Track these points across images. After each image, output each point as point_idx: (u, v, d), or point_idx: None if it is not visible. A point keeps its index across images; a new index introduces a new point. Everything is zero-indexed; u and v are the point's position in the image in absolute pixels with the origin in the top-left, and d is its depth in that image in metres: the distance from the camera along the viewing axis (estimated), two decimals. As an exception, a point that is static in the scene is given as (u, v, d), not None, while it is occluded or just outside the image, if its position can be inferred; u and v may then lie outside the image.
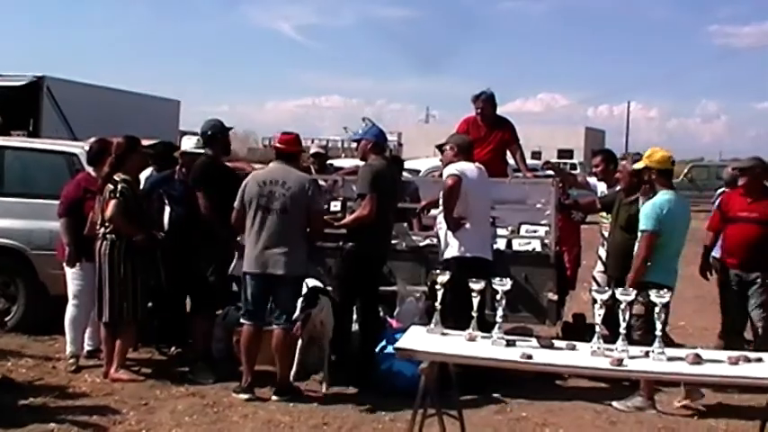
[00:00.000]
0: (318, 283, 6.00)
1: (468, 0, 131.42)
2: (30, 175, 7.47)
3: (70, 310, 6.34)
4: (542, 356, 4.01)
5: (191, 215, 6.14)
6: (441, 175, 6.15)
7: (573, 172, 15.96)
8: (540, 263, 6.41)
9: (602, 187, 7.00)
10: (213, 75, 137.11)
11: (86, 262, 6.18)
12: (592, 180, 7.36)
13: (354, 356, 6.02)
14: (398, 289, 6.46)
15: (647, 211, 5.58)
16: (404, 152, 38.04)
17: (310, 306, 5.63)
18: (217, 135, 6.27)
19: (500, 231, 6.79)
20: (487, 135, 7.48)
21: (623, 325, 3.99)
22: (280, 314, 5.64)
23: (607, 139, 61.12)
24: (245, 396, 5.60)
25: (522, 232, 6.89)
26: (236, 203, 5.76)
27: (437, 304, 4.43)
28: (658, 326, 3.97)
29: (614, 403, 5.64)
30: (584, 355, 4.00)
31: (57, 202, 6.41)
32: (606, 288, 4.28)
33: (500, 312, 4.23)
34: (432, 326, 4.41)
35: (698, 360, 3.87)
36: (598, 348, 3.97)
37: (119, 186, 5.88)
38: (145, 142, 6.54)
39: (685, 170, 30.05)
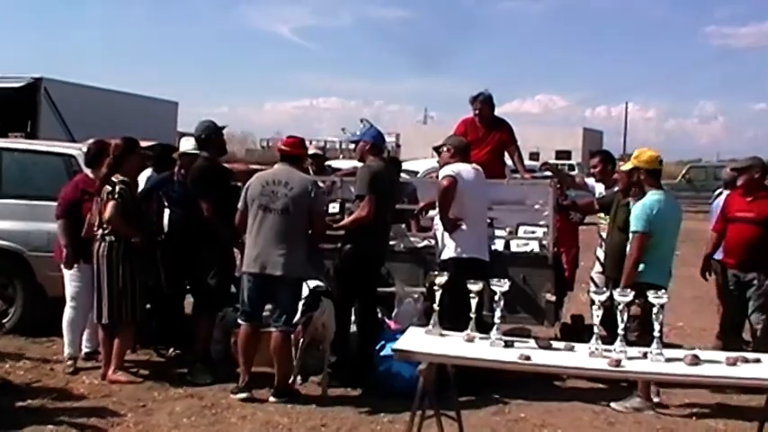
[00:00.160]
0: (320, 284, 5.98)
1: (465, 0, 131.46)
2: (27, 176, 7.45)
3: (68, 312, 6.33)
4: (541, 357, 4.01)
5: (190, 216, 6.14)
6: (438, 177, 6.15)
7: (571, 173, 15.92)
8: (538, 264, 6.41)
9: (600, 188, 6.99)
10: (212, 76, 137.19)
11: (84, 263, 6.17)
12: (590, 181, 7.35)
13: (353, 358, 6.02)
14: (397, 290, 6.45)
15: (638, 212, 5.58)
16: (402, 153, 38.03)
17: (312, 309, 5.62)
18: (211, 136, 6.27)
19: (498, 232, 6.79)
20: (485, 136, 7.48)
21: (621, 326, 4.00)
22: (278, 316, 5.64)
23: (605, 140, 61.37)
24: (242, 395, 5.60)
25: (521, 233, 6.90)
26: (239, 204, 5.77)
27: (435, 305, 4.43)
28: (656, 327, 3.97)
29: (612, 404, 5.64)
30: (583, 356, 4.00)
31: (54, 203, 6.40)
32: (604, 289, 4.28)
33: (498, 313, 4.23)
34: (430, 327, 4.41)
35: (696, 361, 3.87)
36: (596, 349, 3.97)
37: (116, 188, 5.88)
38: (143, 144, 6.54)
39: (683, 171, 30.11)
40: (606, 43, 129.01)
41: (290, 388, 5.73)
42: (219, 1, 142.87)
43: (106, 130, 8.02)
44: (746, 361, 3.92)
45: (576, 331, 6.46)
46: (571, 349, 4.15)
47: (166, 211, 6.51)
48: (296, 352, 5.83)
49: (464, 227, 5.86)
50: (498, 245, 6.68)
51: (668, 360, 3.91)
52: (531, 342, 4.30)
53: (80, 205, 6.26)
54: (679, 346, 6.00)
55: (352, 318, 6.07)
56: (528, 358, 3.95)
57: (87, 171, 6.54)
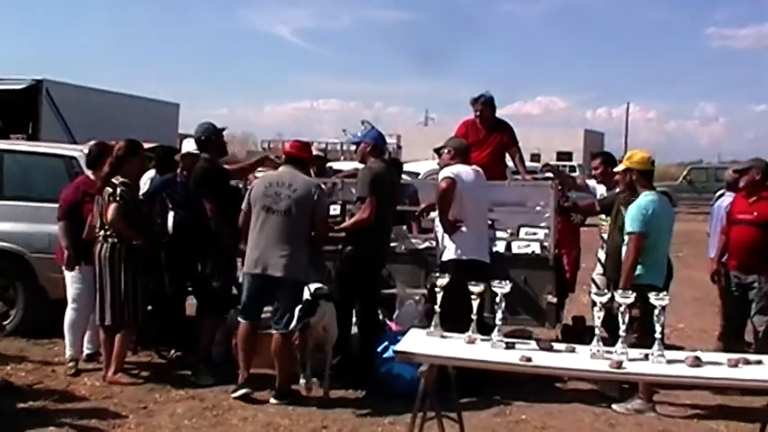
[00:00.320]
0: (322, 286, 5.97)
1: (465, 2, 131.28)
2: (29, 178, 7.47)
3: (69, 314, 6.33)
4: (542, 359, 4.01)
5: (193, 218, 6.15)
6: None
7: (572, 174, 15.96)
8: (539, 265, 6.41)
9: (601, 189, 6.98)
10: (213, 78, 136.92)
11: (85, 265, 6.18)
12: (591, 182, 7.35)
13: (354, 359, 6.02)
14: (398, 292, 6.45)
15: (633, 213, 5.58)
16: (403, 155, 37.95)
17: (308, 315, 5.59)
18: (210, 138, 6.29)
19: (499, 234, 6.79)
20: (486, 138, 7.49)
21: (623, 327, 4.00)
22: (279, 318, 5.64)
23: (606, 142, 61.22)
24: (241, 392, 5.60)
25: (522, 235, 6.89)
26: (243, 205, 5.79)
27: (436, 307, 4.43)
28: (658, 328, 3.97)
29: (614, 406, 5.64)
30: (584, 358, 4.00)
31: (56, 205, 6.41)
32: (605, 291, 4.28)
33: (499, 315, 4.23)
34: (431, 328, 4.41)
35: (697, 362, 3.87)
36: (597, 351, 3.97)
37: (117, 190, 5.88)
38: (145, 146, 6.55)
39: (684, 172, 30.11)
40: (607, 45, 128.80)
41: (291, 389, 5.73)
42: (220, 3, 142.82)
43: (107, 132, 8.04)
44: (748, 362, 3.92)
45: (578, 333, 6.45)
46: (572, 351, 4.15)
47: (171, 213, 6.51)
48: (300, 357, 5.83)
49: (464, 228, 5.86)
50: (499, 246, 6.68)
51: (670, 362, 3.91)
52: (533, 344, 4.30)
53: (81, 207, 6.27)
54: (680, 348, 5.99)
55: (354, 319, 6.07)
56: (529, 360, 3.95)
57: (88, 173, 6.54)
